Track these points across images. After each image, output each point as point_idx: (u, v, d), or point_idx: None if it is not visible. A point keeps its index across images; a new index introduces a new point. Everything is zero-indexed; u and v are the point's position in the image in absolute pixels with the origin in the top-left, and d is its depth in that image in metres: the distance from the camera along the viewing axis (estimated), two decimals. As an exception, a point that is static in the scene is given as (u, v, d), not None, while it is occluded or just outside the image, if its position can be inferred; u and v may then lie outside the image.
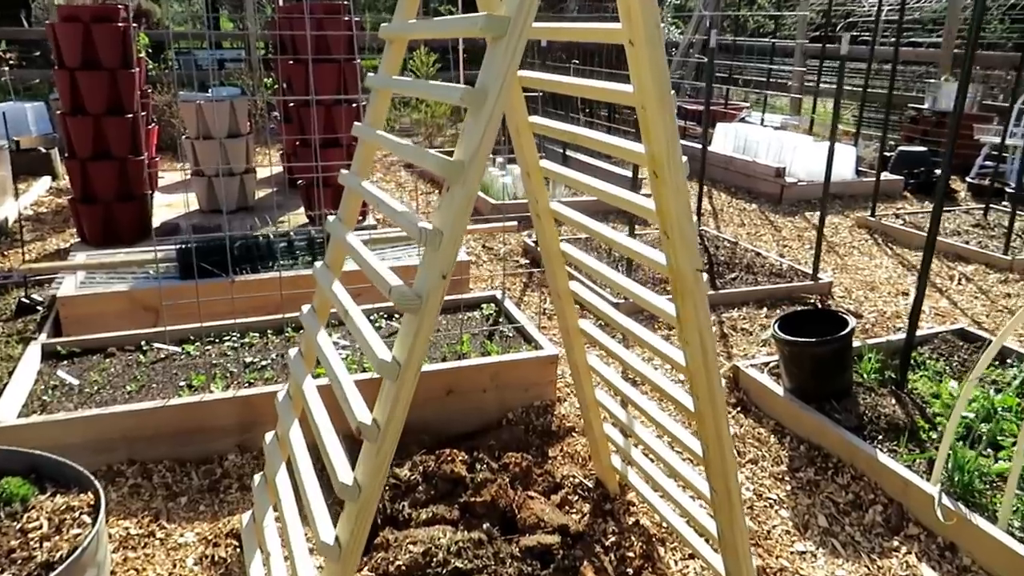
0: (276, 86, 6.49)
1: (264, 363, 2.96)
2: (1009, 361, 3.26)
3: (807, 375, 2.85)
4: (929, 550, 2.26)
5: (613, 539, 2.26)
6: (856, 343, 3.14)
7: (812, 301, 4.18)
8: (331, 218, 1.98)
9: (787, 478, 2.61)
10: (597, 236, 1.90)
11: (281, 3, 8.01)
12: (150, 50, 7.41)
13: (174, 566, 2.12)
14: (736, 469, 1.84)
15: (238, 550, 2.19)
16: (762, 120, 9.12)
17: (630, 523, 2.34)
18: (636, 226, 4.64)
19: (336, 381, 1.56)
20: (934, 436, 2.71)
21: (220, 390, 2.72)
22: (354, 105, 5.22)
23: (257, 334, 3.20)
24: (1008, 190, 6.36)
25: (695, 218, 5.22)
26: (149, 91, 6.22)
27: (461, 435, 2.85)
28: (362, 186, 1.80)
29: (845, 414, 2.81)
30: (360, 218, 5.42)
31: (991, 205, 5.95)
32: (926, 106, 8.98)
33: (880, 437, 2.71)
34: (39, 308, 3.83)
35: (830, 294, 4.30)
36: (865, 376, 3.07)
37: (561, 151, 6.49)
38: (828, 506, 2.46)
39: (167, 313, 3.16)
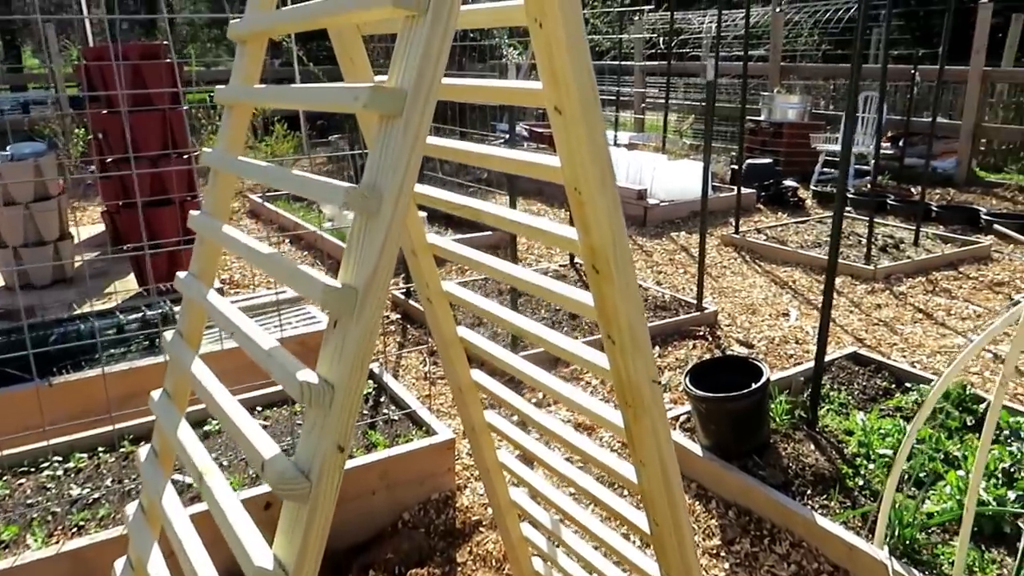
0: (89, 137, 5.73)
1: (96, 495, 2.40)
2: (908, 385, 3.22)
3: (726, 431, 2.64)
4: (886, 622, 2.08)
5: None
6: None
7: (701, 333, 4.05)
8: (182, 275, 1.55)
9: (723, 553, 2.37)
10: (514, 330, 1.57)
11: (90, 43, 7.16)
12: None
13: None
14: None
15: None
16: (615, 140, 9.18)
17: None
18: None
19: (215, 506, 1.14)
20: (860, 483, 2.57)
21: (40, 544, 2.15)
22: (186, 157, 4.63)
23: (85, 454, 2.62)
24: (849, 195, 6.62)
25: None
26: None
27: (353, 547, 2.43)
28: (222, 232, 1.37)
29: (769, 469, 2.62)
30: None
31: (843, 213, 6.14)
32: (763, 118, 9.35)
33: (809, 492, 2.53)
34: None
35: (716, 323, 4.20)
36: (778, 419, 2.91)
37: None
38: (772, 582, 2.24)
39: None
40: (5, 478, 2.48)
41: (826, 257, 5.20)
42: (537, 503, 2.04)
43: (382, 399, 2.97)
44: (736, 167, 7.95)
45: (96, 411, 2.75)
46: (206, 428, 2.76)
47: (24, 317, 2.55)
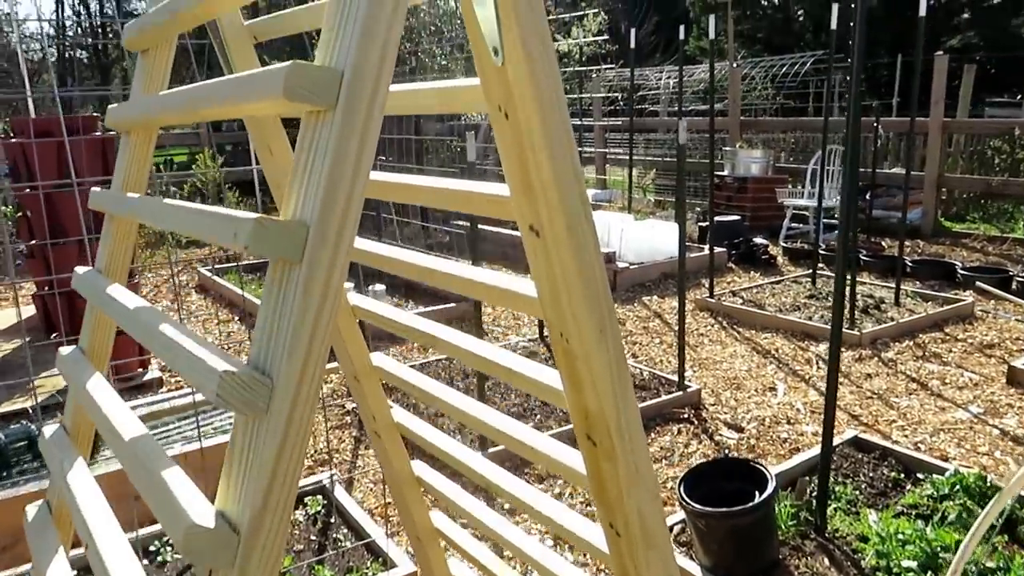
0: (19, 214, 5.32)
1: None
2: (919, 476, 2.91)
3: (729, 551, 2.29)
4: None
5: None
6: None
7: (685, 415, 3.72)
8: (66, 350, 1.21)
9: None
10: (477, 427, 1.23)
11: (32, 114, 6.78)
12: None
13: None
14: None
15: None
16: (577, 200, 8.97)
17: None
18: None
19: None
20: (887, 606, 2.23)
21: None
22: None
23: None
24: (821, 251, 6.43)
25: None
26: None
27: None
28: (111, 296, 1.02)
29: (783, 594, 2.27)
30: (139, 368, 4.39)
31: (817, 271, 5.94)
32: (726, 172, 9.24)
33: (830, 620, 2.19)
34: None
35: (701, 402, 3.88)
36: (784, 526, 2.57)
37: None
38: None
39: None
40: None
41: (807, 321, 4.97)
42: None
43: (332, 520, 2.57)
44: (704, 224, 7.76)
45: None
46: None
47: None
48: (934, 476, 2.84)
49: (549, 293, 0.85)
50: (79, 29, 24.13)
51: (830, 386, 2.67)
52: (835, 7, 5.42)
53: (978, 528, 1.75)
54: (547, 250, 0.81)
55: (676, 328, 5.11)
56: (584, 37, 10.69)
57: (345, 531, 2.51)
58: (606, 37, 10.76)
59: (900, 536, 2.49)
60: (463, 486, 1.57)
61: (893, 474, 2.95)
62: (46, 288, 4.46)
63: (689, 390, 3.86)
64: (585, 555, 2.66)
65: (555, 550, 2.61)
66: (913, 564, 2.36)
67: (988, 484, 2.71)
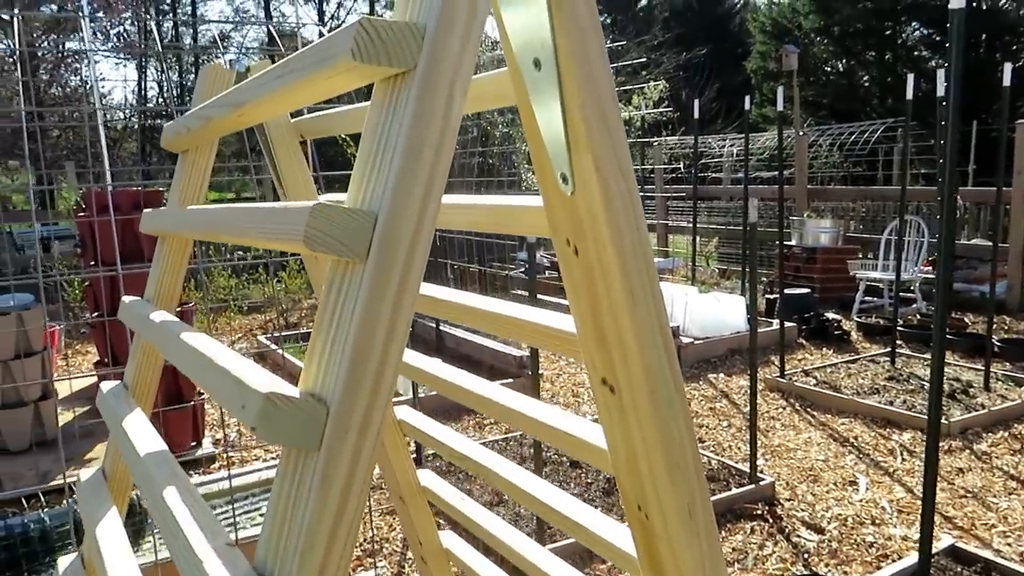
0: (87, 284, 5.44)
1: None
2: (1030, 596, 2.60)
3: None
4: None
5: None
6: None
7: (759, 512, 3.45)
8: (107, 385, 1.14)
9: None
10: (533, 507, 1.06)
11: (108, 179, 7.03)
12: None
13: None
14: None
15: None
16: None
17: None
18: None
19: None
20: None
21: None
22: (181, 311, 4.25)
23: None
24: (899, 328, 6.09)
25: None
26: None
27: None
28: (153, 321, 0.91)
29: None
30: (192, 443, 4.34)
31: (896, 350, 5.60)
32: (794, 242, 8.96)
33: None
34: None
35: (775, 497, 3.60)
36: (876, 654, 2.30)
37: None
38: None
39: None
40: None
41: (887, 407, 4.63)
42: None
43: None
44: (771, 296, 7.48)
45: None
46: None
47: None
48: (1048, 598, 2.53)
49: (625, 458, 0.70)
50: (161, 99, 25.26)
51: (927, 490, 2.42)
52: (910, 76, 5.24)
53: None
54: (623, 411, 0.67)
55: (745, 410, 4.85)
56: (645, 107, 10.68)
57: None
58: (670, 108, 10.72)
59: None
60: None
61: (999, 593, 2.64)
62: (106, 360, 4.49)
63: (762, 483, 3.60)
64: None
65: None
66: None
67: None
